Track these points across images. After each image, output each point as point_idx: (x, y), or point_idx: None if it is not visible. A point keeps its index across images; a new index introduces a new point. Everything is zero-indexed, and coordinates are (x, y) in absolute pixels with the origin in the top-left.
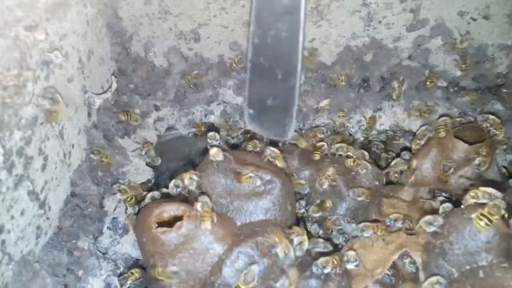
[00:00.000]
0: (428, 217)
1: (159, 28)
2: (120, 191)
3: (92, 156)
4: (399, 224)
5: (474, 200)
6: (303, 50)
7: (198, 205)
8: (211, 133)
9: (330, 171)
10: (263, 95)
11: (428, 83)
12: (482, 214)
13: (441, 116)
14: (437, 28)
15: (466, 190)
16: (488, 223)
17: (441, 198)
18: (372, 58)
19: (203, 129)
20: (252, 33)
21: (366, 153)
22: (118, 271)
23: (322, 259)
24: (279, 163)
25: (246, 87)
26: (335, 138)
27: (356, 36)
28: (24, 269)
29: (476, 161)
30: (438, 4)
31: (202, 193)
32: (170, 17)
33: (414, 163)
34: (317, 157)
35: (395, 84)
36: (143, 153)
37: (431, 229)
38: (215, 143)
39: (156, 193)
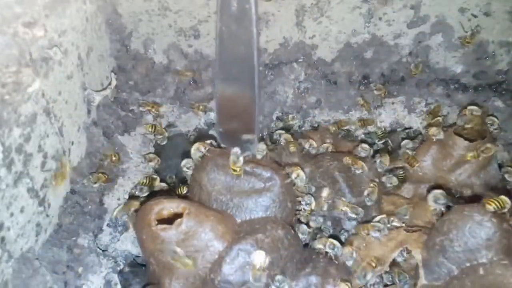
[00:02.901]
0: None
1: (158, 24)
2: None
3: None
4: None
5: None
6: (260, 85)
7: None
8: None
9: (325, 192)
10: (230, 116)
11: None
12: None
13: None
14: (438, 24)
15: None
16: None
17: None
18: (372, 55)
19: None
20: (218, 75)
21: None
22: (118, 268)
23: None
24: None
25: (215, 109)
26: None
27: (356, 32)
28: (24, 266)
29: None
30: (438, 0)
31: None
32: (169, 13)
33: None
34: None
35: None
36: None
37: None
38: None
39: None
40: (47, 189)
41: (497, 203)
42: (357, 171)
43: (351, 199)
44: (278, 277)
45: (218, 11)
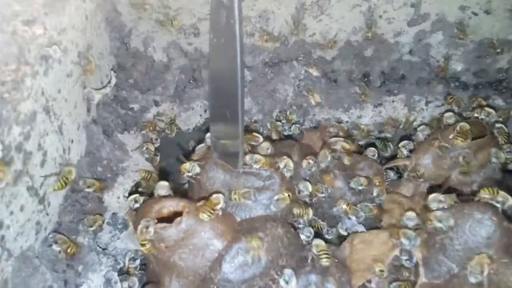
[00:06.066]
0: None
1: (158, 23)
2: None
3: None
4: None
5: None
6: (243, 103)
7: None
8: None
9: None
10: (220, 133)
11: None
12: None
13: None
14: (438, 22)
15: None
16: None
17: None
18: (372, 53)
19: None
20: (209, 88)
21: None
22: (118, 267)
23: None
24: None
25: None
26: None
27: (356, 30)
28: (23, 265)
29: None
30: None
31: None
32: (169, 11)
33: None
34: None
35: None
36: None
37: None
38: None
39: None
40: (47, 187)
41: (491, 191)
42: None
43: (351, 198)
44: (287, 270)
45: (210, 23)
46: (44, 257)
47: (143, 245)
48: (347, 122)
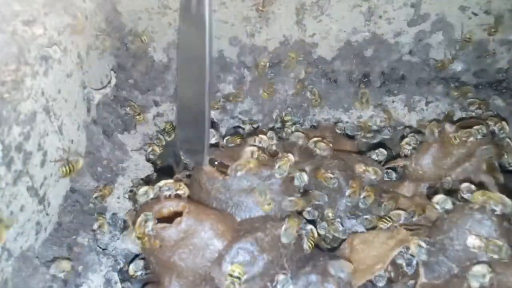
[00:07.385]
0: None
1: (158, 23)
2: None
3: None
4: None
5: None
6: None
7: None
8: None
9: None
10: (187, 135)
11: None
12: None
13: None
14: (438, 23)
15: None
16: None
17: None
18: (372, 53)
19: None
20: (179, 94)
21: None
22: (118, 267)
23: None
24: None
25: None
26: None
27: (356, 31)
28: (23, 265)
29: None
30: None
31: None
32: (169, 12)
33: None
34: None
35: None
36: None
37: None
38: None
39: None
40: (47, 187)
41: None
42: (371, 177)
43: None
44: (281, 277)
45: (180, 12)
46: (44, 257)
47: (139, 238)
48: (346, 122)
